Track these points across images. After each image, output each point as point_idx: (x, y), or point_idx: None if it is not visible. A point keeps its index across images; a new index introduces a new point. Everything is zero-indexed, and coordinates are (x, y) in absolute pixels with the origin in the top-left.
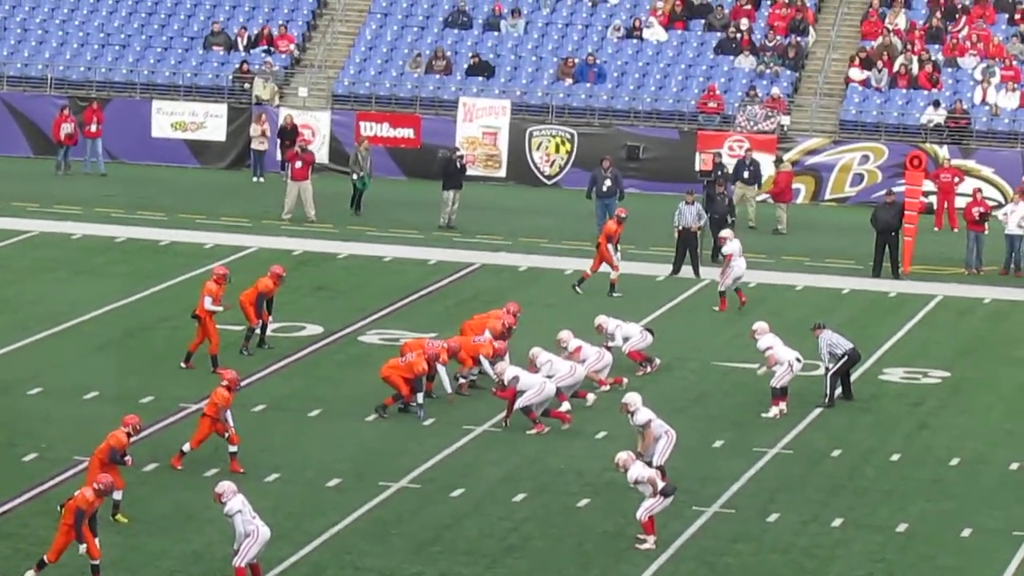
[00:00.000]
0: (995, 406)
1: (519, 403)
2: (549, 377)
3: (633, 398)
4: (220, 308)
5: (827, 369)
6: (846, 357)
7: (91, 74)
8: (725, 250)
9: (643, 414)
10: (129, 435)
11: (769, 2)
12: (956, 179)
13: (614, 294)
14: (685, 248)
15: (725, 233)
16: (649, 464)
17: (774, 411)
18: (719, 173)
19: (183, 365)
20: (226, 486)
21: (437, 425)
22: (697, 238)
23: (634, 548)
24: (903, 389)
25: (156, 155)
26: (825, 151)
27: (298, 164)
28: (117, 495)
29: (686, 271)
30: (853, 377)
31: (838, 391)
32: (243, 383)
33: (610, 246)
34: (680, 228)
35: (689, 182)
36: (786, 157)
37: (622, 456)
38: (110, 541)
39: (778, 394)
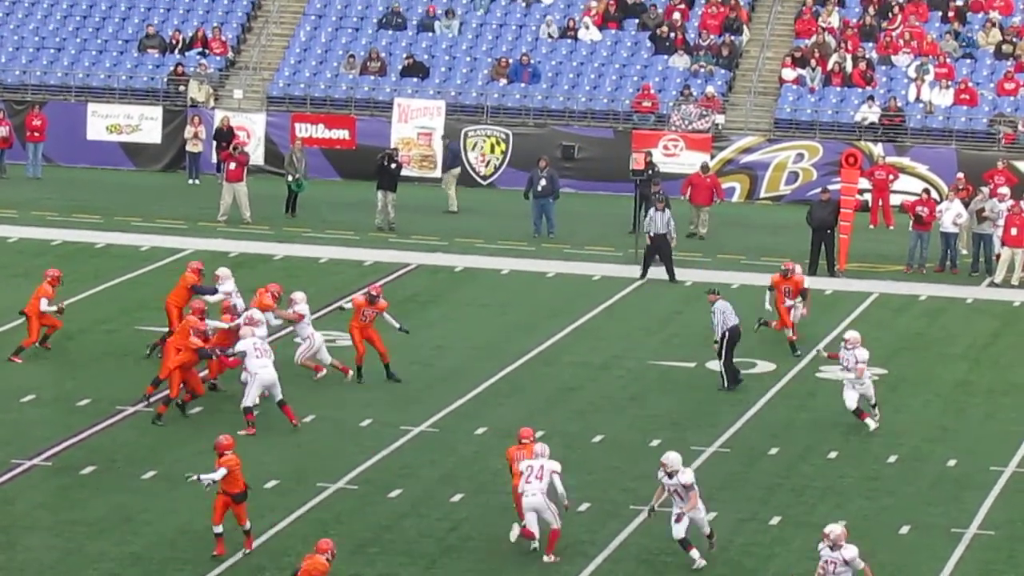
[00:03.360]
0: (932, 403)
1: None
2: None
3: (675, 457)
4: (53, 308)
5: (717, 341)
6: (726, 335)
7: (26, 77)
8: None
9: (688, 474)
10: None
11: (703, 1)
12: (891, 176)
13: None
14: (655, 253)
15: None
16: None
17: (872, 424)
18: (651, 172)
19: (14, 359)
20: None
21: (374, 426)
22: (669, 243)
23: None
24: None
25: (91, 158)
26: (760, 149)
27: (232, 165)
28: None
29: (656, 273)
30: (791, 375)
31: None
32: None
33: (787, 300)
34: (652, 234)
35: (624, 181)
36: (720, 156)
37: (837, 530)
38: (48, 544)
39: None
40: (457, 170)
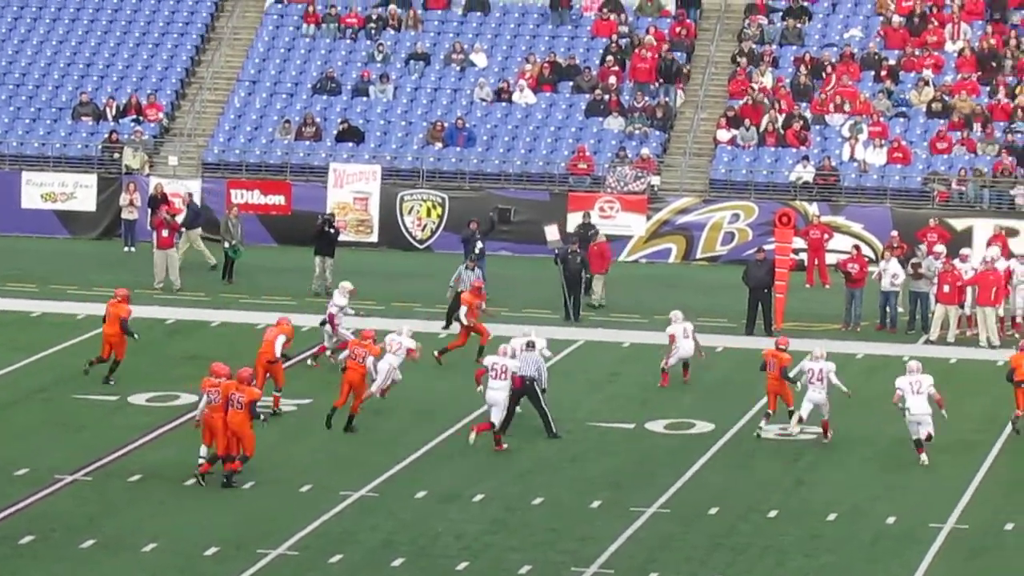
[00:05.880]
0: (871, 460)
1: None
2: None
3: None
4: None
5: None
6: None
7: None
8: (668, 330)
9: None
10: None
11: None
12: (825, 235)
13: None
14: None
15: (673, 315)
16: None
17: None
18: (594, 233)
19: None
20: None
21: (314, 491)
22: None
23: None
24: (779, 445)
25: (26, 226)
26: (695, 210)
27: (164, 233)
28: None
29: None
30: (730, 434)
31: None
32: (118, 454)
33: None
34: (458, 290)
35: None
36: (656, 217)
37: None
38: None
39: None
40: (199, 229)
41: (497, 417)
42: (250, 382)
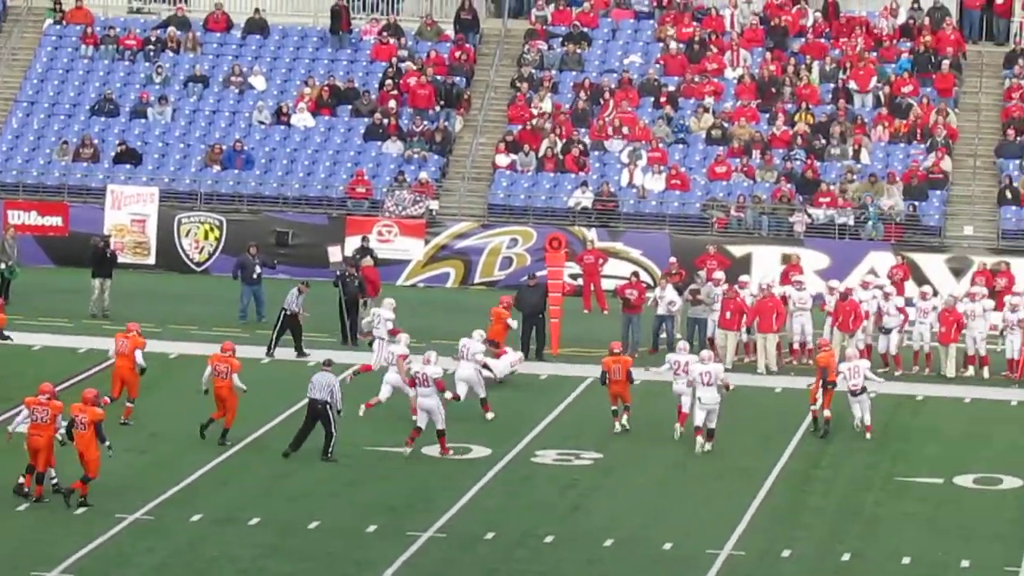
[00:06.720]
0: (648, 486)
1: None
2: None
3: None
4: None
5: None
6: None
7: None
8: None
9: None
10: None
11: (412, 82)
12: (600, 261)
13: None
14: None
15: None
16: None
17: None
18: (360, 256)
19: None
20: None
21: (89, 513)
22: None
23: None
24: (556, 471)
25: None
26: (474, 235)
27: None
28: None
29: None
30: (507, 459)
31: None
32: None
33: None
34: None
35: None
36: (434, 241)
37: None
38: None
39: None
40: None
41: (424, 421)
42: (95, 403)
